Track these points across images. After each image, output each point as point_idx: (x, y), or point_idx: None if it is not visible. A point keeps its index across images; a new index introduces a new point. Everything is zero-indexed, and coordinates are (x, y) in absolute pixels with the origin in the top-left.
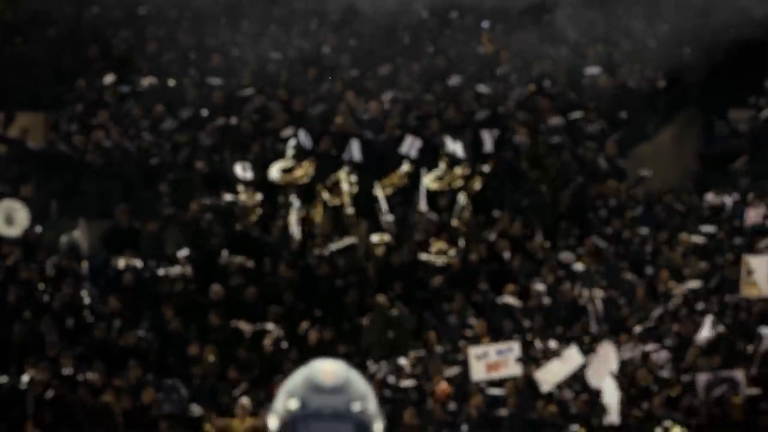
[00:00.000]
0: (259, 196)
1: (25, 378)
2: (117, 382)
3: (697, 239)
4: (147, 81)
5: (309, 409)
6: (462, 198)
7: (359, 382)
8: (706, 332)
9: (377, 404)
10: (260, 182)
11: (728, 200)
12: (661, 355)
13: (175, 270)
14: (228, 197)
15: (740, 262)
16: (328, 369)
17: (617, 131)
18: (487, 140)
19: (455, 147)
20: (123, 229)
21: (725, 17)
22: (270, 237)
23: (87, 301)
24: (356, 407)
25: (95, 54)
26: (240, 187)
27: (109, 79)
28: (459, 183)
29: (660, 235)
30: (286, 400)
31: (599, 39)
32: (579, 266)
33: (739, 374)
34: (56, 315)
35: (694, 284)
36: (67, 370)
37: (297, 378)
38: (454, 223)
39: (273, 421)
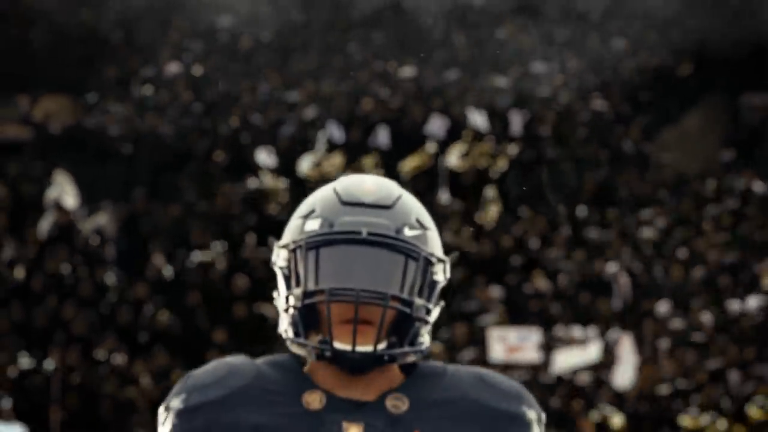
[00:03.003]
0: (283, 182)
1: (50, 363)
2: (142, 367)
3: (725, 223)
4: (172, 68)
5: (337, 230)
6: (490, 192)
7: (415, 203)
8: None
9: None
10: (284, 169)
11: (759, 186)
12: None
13: (201, 256)
14: (253, 182)
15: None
16: (367, 179)
17: (642, 115)
18: (516, 122)
19: (478, 119)
20: (140, 214)
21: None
22: None
23: (113, 285)
24: (410, 232)
25: (120, 40)
26: (264, 173)
27: (135, 66)
28: (484, 162)
29: (685, 222)
30: (302, 223)
31: (623, 21)
32: (603, 237)
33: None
34: (82, 299)
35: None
36: (94, 355)
37: (319, 194)
38: (481, 218)
39: (281, 254)
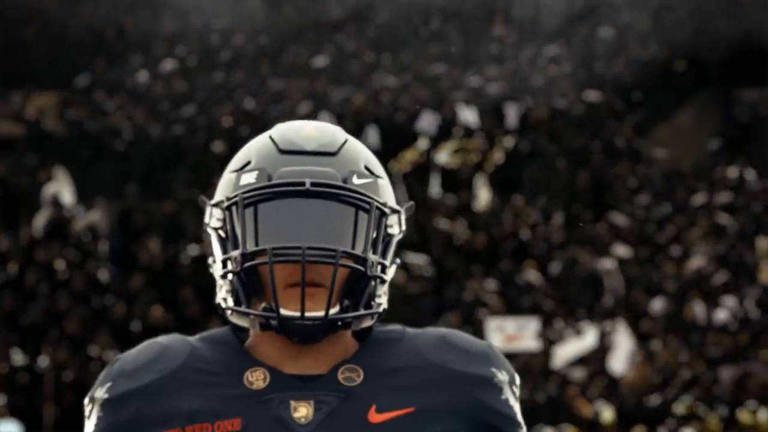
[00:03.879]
0: None
1: (44, 359)
2: None
3: (717, 218)
4: (167, 64)
5: (277, 182)
6: (480, 180)
7: (363, 148)
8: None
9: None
10: None
11: (750, 176)
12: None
13: (194, 251)
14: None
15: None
16: (306, 124)
17: (634, 111)
18: (512, 114)
19: (469, 115)
20: (133, 209)
21: None
22: None
23: (106, 281)
24: (359, 180)
25: (113, 35)
26: None
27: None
28: (475, 157)
29: (678, 216)
30: (236, 177)
31: (615, 16)
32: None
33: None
34: (75, 295)
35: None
36: (86, 352)
37: (254, 144)
38: (474, 206)
39: (214, 213)
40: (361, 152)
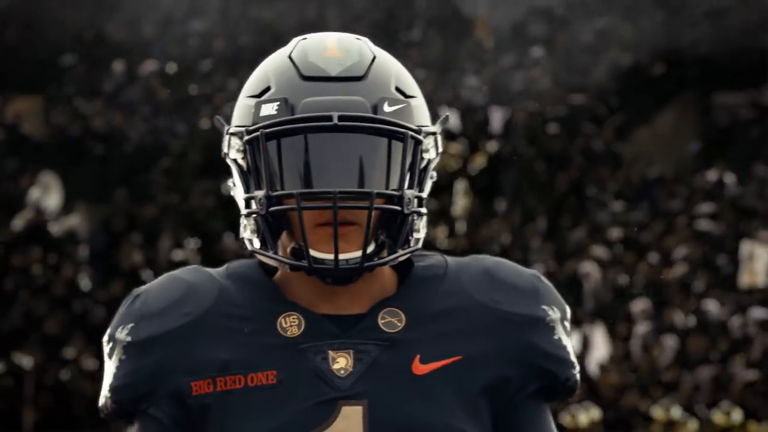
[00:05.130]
0: None
1: (24, 362)
2: None
3: (698, 223)
4: (147, 66)
5: (301, 116)
6: (460, 186)
7: (392, 63)
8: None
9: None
10: None
11: (729, 178)
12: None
13: (175, 255)
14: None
15: (738, 249)
16: (328, 40)
17: (615, 115)
18: (496, 119)
19: (450, 120)
20: (114, 214)
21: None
22: None
23: (86, 286)
24: (391, 108)
25: (91, 38)
26: None
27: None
28: (455, 164)
29: (658, 220)
30: (254, 104)
31: (596, 20)
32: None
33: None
34: (55, 299)
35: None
36: (64, 355)
37: (272, 64)
38: (454, 211)
39: (233, 143)
40: (390, 70)
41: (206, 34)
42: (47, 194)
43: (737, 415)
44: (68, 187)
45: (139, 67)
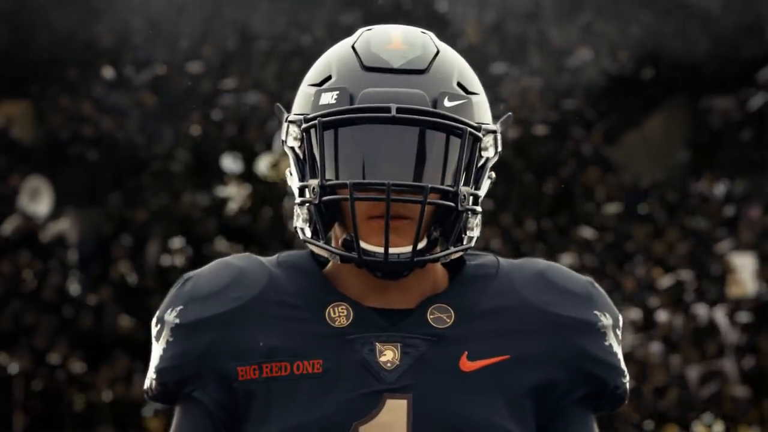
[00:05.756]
0: (247, 188)
1: (13, 367)
2: (103, 372)
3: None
4: (137, 71)
5: (360, 106)
6: None
7: (456, 59)
8: None
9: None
10: (249, 174)
11: (719, 189)
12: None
13: (163, 260)
14: (219, 191)
15: (724, 260)
16: (393, 33)
17: (603, 119)
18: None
19: None
20: (104, 219)
21: (713, 3)
22: (260, 224)
23: (75, 290)
24: (451, 103)
25: (81, 43)
26: (229, 180)
27: (105, 71)
28: None
29: (647, 226)
30: (315, 92)
31: (583, 25)
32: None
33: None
34: (43, 304)
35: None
36: (52, 361)
37: (335, 53)
38: None
39: (291, 131)
40: (453, 65)
41: (195, 37)
42: (36, 199)
43: (719, 427)
44: (57, 192)
45: (129, 72)
